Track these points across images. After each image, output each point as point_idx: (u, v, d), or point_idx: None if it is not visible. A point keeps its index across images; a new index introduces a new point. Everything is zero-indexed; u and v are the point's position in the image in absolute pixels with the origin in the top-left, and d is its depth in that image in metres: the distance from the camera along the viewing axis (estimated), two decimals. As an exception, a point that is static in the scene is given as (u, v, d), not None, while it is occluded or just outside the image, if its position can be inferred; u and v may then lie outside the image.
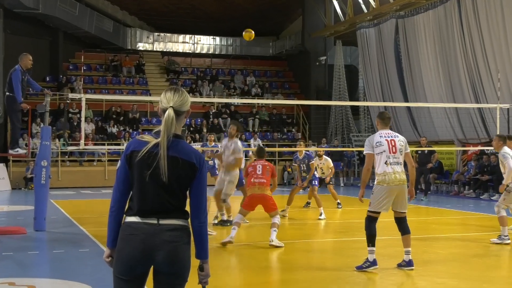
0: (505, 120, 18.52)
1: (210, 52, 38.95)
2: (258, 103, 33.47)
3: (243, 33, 16.37)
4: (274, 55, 39.22)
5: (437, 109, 24.53)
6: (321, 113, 33.26)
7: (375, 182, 8.57)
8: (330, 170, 17.11)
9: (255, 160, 11.81)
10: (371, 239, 8.58)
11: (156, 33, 38.13)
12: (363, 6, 29.52)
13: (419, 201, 19.76)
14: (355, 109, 33.23)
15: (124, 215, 3.94)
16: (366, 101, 30.90)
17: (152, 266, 3.87)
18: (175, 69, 35.53)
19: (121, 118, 30.62)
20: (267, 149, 15.62)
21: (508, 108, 18.13)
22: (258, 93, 34.76)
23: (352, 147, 29.87)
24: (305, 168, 15.82)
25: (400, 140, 8.68)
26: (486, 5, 22.38)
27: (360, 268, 8.55)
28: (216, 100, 31.70)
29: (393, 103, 27.35)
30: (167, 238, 3.81)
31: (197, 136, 29.76)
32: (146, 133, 4.07)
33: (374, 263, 8.54)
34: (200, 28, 37.91)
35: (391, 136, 8.66)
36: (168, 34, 38.38)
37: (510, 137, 12.13)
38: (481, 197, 21.57)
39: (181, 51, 38.50)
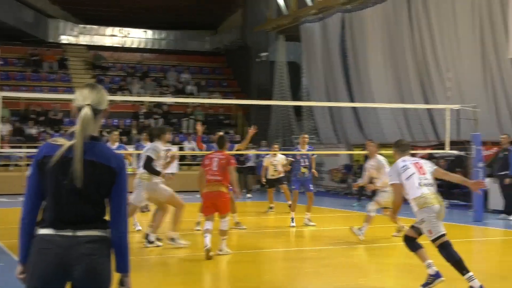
0: (455, 121, 18.97)
1: (140, 47, 38.70)
2: (193, 103, 33.42)
3: None
4: (211, 51, 39.20)
5: (385, 109, 24.95)
6: (262, 113, 33.36)
7: (417, 209, 8.20)
8: (283, 167, 18.29)
9: (214, 151, 11.50)
10: (460, 266, 7.98)
11: (81, 25, 37.66)
12: (307, -1, 29.86)
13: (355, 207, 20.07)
14: (298, 109, 33.46)
15: (37, 227, 3.90)
16: (310, 101, 31.16)
17: (69, 282, 3.84)
18: (102, 64, 35.23)
19: (41, 118, 30.17)
20: (204, 153, 15.59)
21: (458, 109, 18.59)
22: (193, 92, 34.72)
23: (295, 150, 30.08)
24: (307, 164, 15.65)
25: (425, 162, 8.61)
26: (437, 0, 22.92)
27: None
28: (147, 99, 31.50)
29: (338, 103, 27.67)
30: (85, 251, 3.78)
31: (125, 138, 29.48)
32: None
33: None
34: (130, 20, 37.61)
35: (415, 160, 8.58)
36: (94, 26, 37.96)
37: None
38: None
39: (109, 45, 38.11)
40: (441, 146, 17.68)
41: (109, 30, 38.35)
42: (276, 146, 19.40)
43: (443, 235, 8.15)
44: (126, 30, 38.52)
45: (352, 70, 27.93)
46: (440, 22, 22.85)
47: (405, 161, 8.45)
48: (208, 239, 10.64)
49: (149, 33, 39.11)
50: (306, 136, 16.25)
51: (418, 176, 8.23)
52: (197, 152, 29.88)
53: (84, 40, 37.57)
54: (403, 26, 24.64)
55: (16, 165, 27.36)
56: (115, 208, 3.94)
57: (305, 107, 32.39)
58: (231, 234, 12.33)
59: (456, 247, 9.37)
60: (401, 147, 8.69)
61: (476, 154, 17.08)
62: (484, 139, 18.43)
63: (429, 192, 8.16)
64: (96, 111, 3.94)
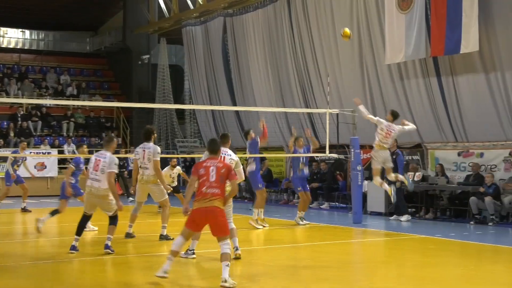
0: (335, 125, 19.35)
1: (18, 47, 37.59)
2: (73, 105, 32.71)
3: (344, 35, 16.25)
4: (91, 52, 38.55)
5: (267, 113, 25.13)
6: (144, 116, 33.10)
7: None
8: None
9: (208, 158, 9.33)
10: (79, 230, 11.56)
11: (-46, 24, 36.20)
12: (189, 2, 29.74)
13: (248, 211, 20.09)
14: (180, 112, 33.38)
15: None
16: (192, 104, 31.13)
17: None
18: (-23, 64, 33.93)
19: None
20: (83, 155, 15.12)
21: (337, 114, 18.97)
22: (73, 94, 33.95)
23: (177, 153, 29.97)
24: (303, 160, 16.89)
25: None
26: (316, 6, 23.28)
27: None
28: (25, 100, 30.58)
29: (221, 106, 27.77)
30: None
31: (2, 141, 28.37)
32: None
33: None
34: (6, 19, 36.35)
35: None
36: (-32, 26, 36.57)
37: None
38: (310, 205, 22.40)
39: (-16, 44, 36.85)
40: (321, 149, 17.97)
41: (-17, 29, 37.05)
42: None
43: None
44: (2, 29, 37.31)
45: (234, 74, 28.04)
46: (319, 28, 23.24)
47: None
48: (168, 265, 8.78)
49: (27, 33, 38.03)
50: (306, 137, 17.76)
51: (91, 171, 11.24)
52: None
53: (-44, 39, 36.18)
54: (284, 31, 24.93)
55: None
56: None
57: (188, 110, 32.44)
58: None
59: (339, 248, 9.45)
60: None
61: (355, 157, 17.48)
62: (362, 143, 18.90)
63: (89, 185, 11.25)
64: None
